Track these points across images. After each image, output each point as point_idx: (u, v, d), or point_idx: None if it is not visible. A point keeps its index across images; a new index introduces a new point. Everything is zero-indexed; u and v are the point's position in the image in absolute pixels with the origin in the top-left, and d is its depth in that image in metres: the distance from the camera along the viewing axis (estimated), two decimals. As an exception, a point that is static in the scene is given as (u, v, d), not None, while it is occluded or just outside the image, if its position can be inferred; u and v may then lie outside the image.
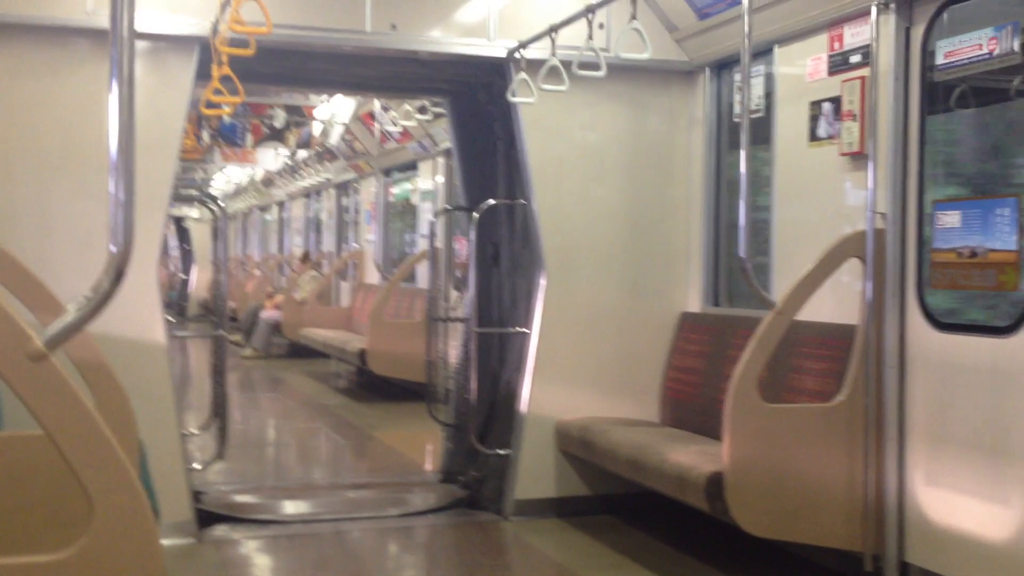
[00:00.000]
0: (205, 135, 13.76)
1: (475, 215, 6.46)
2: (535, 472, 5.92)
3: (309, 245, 17.60)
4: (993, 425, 4.03)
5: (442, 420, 6.91)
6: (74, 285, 3.26)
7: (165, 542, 5.04)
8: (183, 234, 22.10)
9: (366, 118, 11.83)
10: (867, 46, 4.61)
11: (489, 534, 5.78)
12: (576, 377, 6.02)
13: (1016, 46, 4.03)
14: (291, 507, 6.24)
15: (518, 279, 6.33)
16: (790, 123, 5.25)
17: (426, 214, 11.30)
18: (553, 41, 5.30)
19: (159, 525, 3.80)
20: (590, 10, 5.07)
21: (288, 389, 12.48)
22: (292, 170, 16.52)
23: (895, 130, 4.49)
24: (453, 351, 7.17)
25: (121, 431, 3.56)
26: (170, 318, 5.82)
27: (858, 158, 4.74)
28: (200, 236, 22.04)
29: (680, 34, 5.97)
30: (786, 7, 5.07)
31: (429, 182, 11.14)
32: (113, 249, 2.20)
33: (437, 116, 9.39)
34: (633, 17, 4.73)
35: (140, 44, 5.21)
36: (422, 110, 9.18)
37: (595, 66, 5.09)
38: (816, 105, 5.03)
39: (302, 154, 14.86)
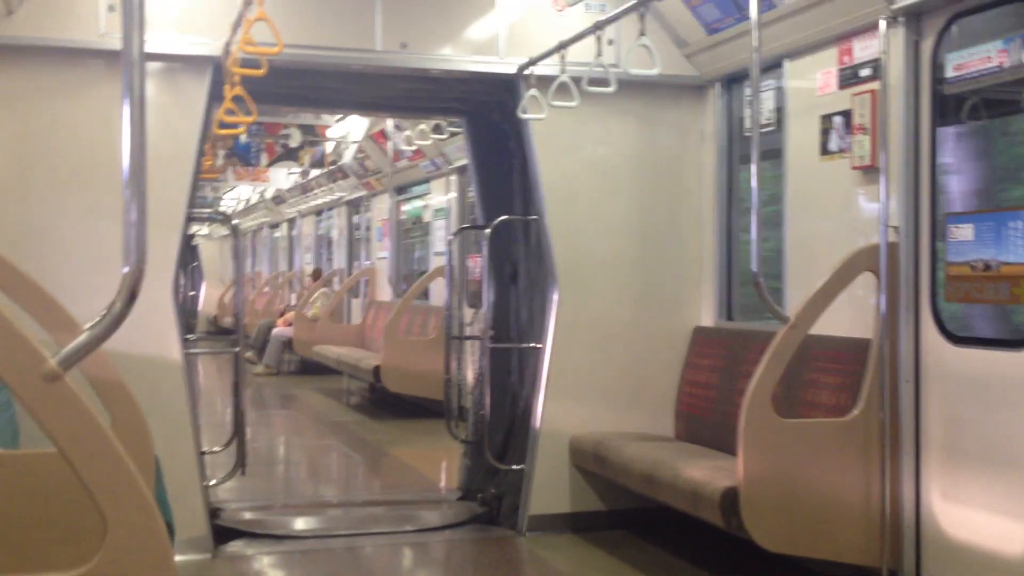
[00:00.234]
0: (220, 155, 13.83)
1: (487, 231, 6.48)
2: (549, 487, 5.92)
3: (319, 262, 17.66)
4: (1009, 439, 4.01)
5: (461, 438, 6.90)
6: (88, 304, 3.27)
7: (181, 558, 5.10)
8: (192, 251, 22.20)
9: (378, 137, 11.89)
10: (877, 59, 4.62)
11: (504, 550, 5.77)
12: (589, 392, 6.02)
13: (1026, 58, 4.03)
14: (307, 523, 6.25)
15: (535, 296, 6.34)
16: (801, 137, 5.25)
17: (439, 231, 11.33)
18: (563, 58, 5.32)
19: (174, 541, 3.82)
20: (599, 27, 5.09)
21: (301, 406, 12.51)
22: (303, 189, 16.58)
23: (906, 143, 4.49)
24: (471, 368, 7.18)
25: (137, 448, 3.58)
26: (190, 335, 5.85)
27: (870, 171, 4.73)
28: (208, 253, 22.13)
29: (690, 49, 5.98)
30: (795, 21, 5.08)
31: (442, 200, 11.17)
32: (126, 269, 2.21)
33: (452, 135, 9.44)
34: (642, 33, 4.75)
35: (153, 65, 5.27)
36: (437, 129, 9.21)
37: (605, 82, 5.11)
38: (827, 119, 5.03)
39: (314, 173, 14.93)
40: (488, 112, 6.32)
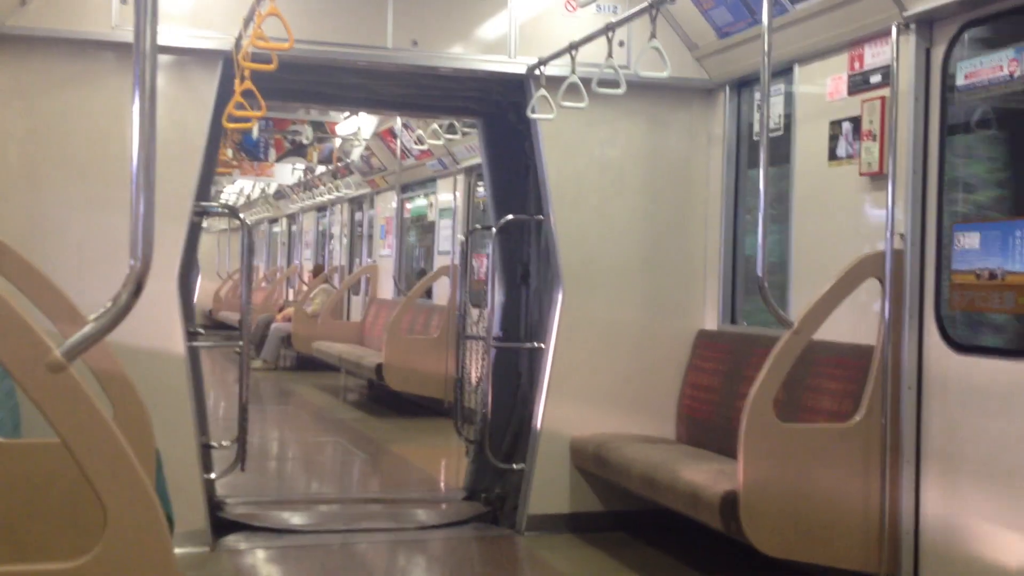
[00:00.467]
0: (228, 150, 13.87)
1: (493, 230, 6.48)
2: (549, 487, 5.92)
3: (319, 259, 17.65)
4: (1010, 449, 4.00)
5: (469, 438, 6.88)
6: (94, 295, 3.29)
7: (180, 551, 5.12)
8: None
9: (385, 135, 11.91)
10: (887, 66, 4.61)
11: (502, 549, 5.78)
12: (591, 393, 6.02)
13: (1037, 68, 4.02)
14: (307, 518, 6.26)
15: (545, 297, 6.33)
16: (809, 142, 5.25)
17: (444, 230, 11.35)
18: (573, 58, 5.33)
19: (173, 534, 3.83)
20: (610, 28, 5.09)
21: (301, 402, 12.52)
22: (306, 185, 16.58)
23: (915, 150, 4.48)
24: (479, 369, 7.17)
25: (138, 440, 3.59)
26: (200, 330, 5.87)
27: (877, 178, 4.73)
28: (204, 246, 22.10)
29: (700, 52, 5.98)
30: (806, 26, 5.07)
31: (448, 199, 11.19)
32: (133, 262, 2.22)
33: (464, 135, 9.44)
34: (653, 35, 4.75)
35: (164, 58, 5.28)
36: (451, 129, 9.22)
37: (615, 83, 5.11)
38: (836, 124, 5.03)
39: (320, 169, 14.94)
40: (504, 113, 6.30)
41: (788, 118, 5.47)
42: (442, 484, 7.86)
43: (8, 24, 5.09)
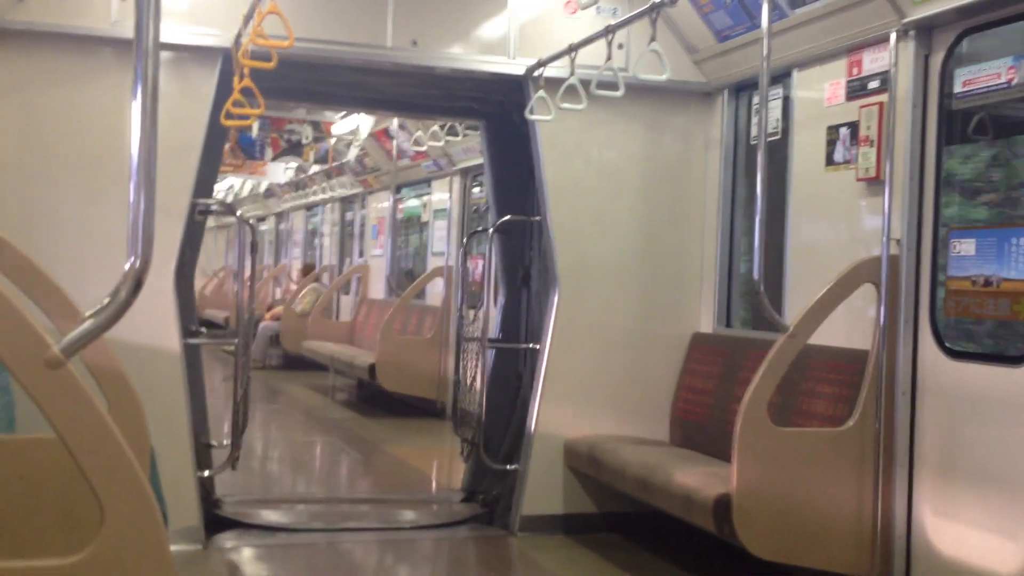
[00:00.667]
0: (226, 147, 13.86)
1: (490, 232, 6.49)
2: (543, 488, 5.92)
3: (307, 258, 17.61)
4: (1003, 456, 4.02)
5: (467, 439, 6.85)
6: (92, 291, 3.28)
7: (173, 548, 5.06)
8: None
9: (380, 135, 11.91)
10: (886, 72, 4.63)
11: (494, 549, 5.79)
12: (586, 394, 6.03)
13: (1034, 76, 4.04)
14: (303, 517, 6.27)
15: (544, 299, 6.33)
16: (807, 147, 5.26)
17: (438, 231, 11.35)
18: (572, 60, 5.33)
19: (168, 531, 3.82)
20: (610, 30, 5.10)
21: (291, 401, 12.50)
22: (297, 185, 16.53)
23: (912, 157, 4.50)
24: (476, 369, 7.15)
25: (133, 437, 3.58)
26: (202, 328, 5.87)
27: (874, 184, 4.74)
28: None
29: (699, 56, 5.99)
30: (805, 31, 5.09)
31: (444, 200, 11.19)
32: (132, 259, 2.22)
33: (464, 137, 9.45)
34: (652, 39, 4.75)
35: (164, 55, 5.26)
36: (452, 131, 9.21)
37: (613, 86, 5.11)
38: (833, 130, 5.04)
39: (314, 168, 14.93)
40: (508, 114, 6.29)
41: (786, 123, 5.48)
42: (439, 485, 7.85)
43: (7, 19, 5.08)
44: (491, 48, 5.89)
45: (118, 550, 2.25)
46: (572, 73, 5.27)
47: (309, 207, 17.61)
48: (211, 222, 23.05)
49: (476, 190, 10.73)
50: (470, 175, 10.70)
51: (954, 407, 4.27)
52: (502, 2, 5.85)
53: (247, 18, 4.86)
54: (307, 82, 6.08)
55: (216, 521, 5.72)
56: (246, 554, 5.48)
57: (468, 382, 6.71)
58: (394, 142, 11.54)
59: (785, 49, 5.13)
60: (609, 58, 5.07)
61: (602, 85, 5.11)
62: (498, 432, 6.37)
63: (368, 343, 12.05)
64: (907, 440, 4.45)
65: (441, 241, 11.23)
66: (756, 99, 5.60)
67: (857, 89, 4.90)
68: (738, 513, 4.31)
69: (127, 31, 5.01)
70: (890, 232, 4.52)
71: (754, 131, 5.82)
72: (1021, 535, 3.92)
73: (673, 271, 6.19)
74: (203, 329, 5.83)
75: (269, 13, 4.36)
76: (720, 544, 4.69)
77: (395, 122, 11.14)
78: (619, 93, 5.12)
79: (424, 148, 10.43)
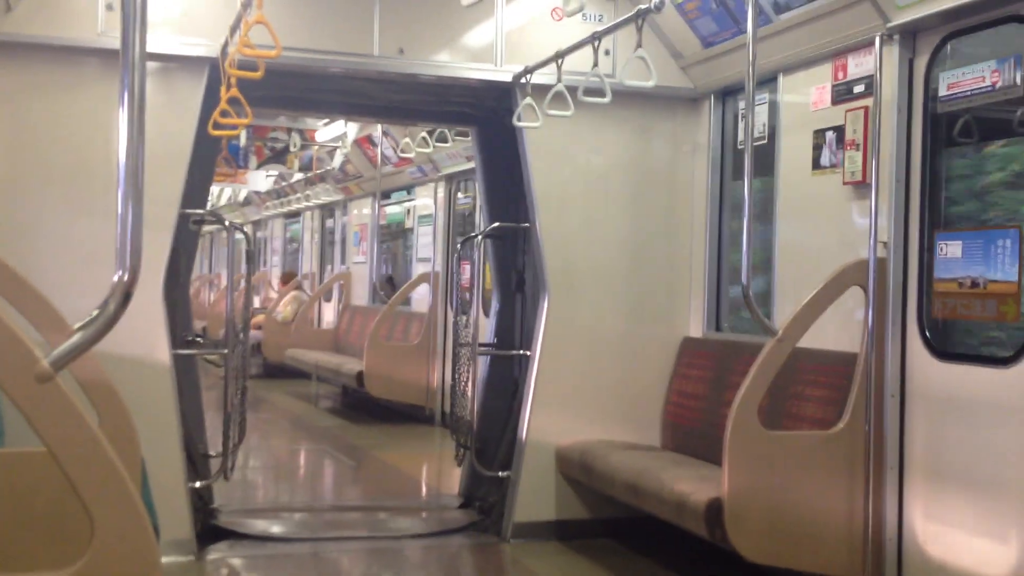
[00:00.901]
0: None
1: (479, 238, 6.49)
2: (535, 495, 5.92)
3: (288, 266, 17.55)
4: (992, 457, 4.03)
5: (465, 444, 6.83)
6: (80, 303, 3.28)
7: (165, 559, 5.05)
8: None
9: (363, 141, 11.91)
10: (871, 76, 4.65)
11: (487, 556, 5.79)
12: (577, 400, 6.03)
13: (1018, 79, 4.06)
14: (294, 527, 6.25)
15: (538, 304, 6.33)
16: (793, 151, 5.28)
17: (423, 237, 11.36)
18: (559, 67, 5.34)
19: (159, 543, 3.81)
20: (596, 37, 5.11)
21: (276, 409, 12.45)
22: (278, 192, 16.47)
23: (898, 160, 4.52)
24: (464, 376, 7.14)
25: (123, 449, 3.58)
26: (199, 337, 5.87)
27: (861, 187, 4.76)
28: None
29: (685, 61, 6.01)
30: (790, 36, 5.11)
31: (428, 206, 11.20)
32: (120, 271, 2.22)
33: (454, 142, 9.45)
34: (638, 45, 4.77)
35: (151, 65, 5.26)
36: (441, 138, 9.20)
37: (600, 92, 5.13)
38: (820, 134, 5.06)
39: (297, 176, 14.89)
40: (500, 119, 6.29)
41: (772, 127, 5.50)
42: (434, 491, 7.85)
43: (-6, 30, 5.07)
44: (478, 55, 5.90)
45: (109, 563, 2.25)
46: (559, 80, 5.28)
47: (288, 215, 17.54)
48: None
49: (460, 195, 10.75)
50: (455, 181, 10.72)
51: (943, 409, 4.29)
52: (488, 9, 5.85)
53: (234, 28, 4.86)
54: (296, 90, 6.09)
55: (213, 531, 5.71)
56: (239, 565, 5.47)
57: (462, 388, 6.70)
58: (378, 149, 11.53)
59: (771, 54, 5.15)
60: (596, 64, 5.08)
61: (589, 91, 5.13)
62: (494, 438, 6.36)
63: (353, 350, 12.06)
64: (897, 442, 4.47)
65: (426, 247, 11.24)
66: (743, 104, 5.62)
67: (843, 93, 4.92)
68: (730, 517, 4.32)
69: (114, 42, 4.99)
70: (877, 235, 4.54)
71: (741, 135, 5.84)
72: (1011, 537, 3.94)
73: (662, 276, 6.20)
74: (199, 338, 5.82)
75: (256, 23, 4.36)
76: (712, 548, 4.70)
77: (379, 128, 11.15)
78: (606, 99, 5.13)
79: (411, 155, 10.43)
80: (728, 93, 6.03)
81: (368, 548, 5.82)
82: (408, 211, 12.18)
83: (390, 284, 12.77)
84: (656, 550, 5.69)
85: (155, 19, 5.24)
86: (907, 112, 4.53)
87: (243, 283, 8.59)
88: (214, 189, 18.74)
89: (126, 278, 2.21)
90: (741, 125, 5.83)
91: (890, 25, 4.49)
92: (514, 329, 6.51)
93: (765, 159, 5.42)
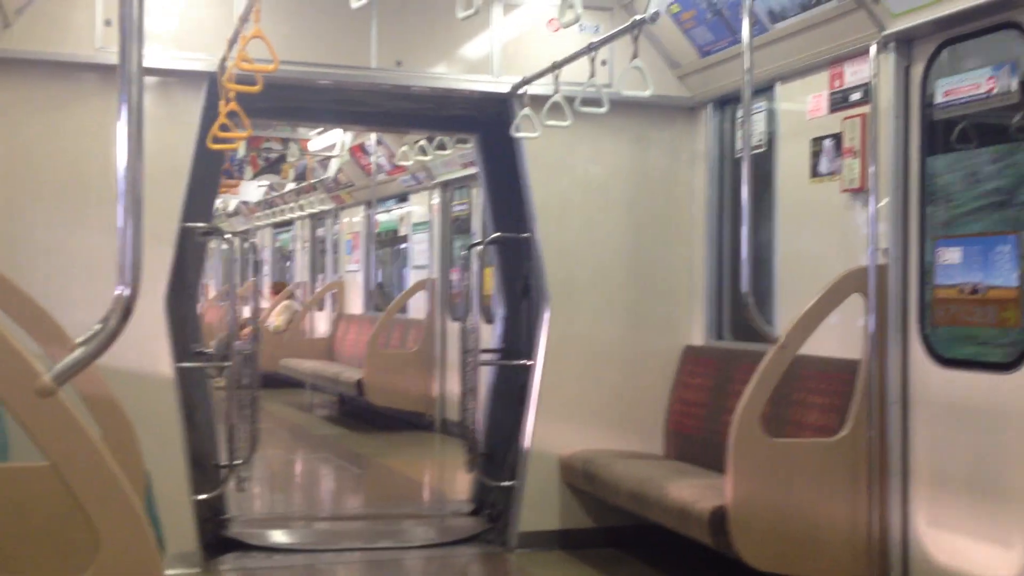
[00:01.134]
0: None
1: (479, 248, 6.50)
2: (539, 504, 5.92)
3: (276, 276, 17.50)
4: (996, 463, 4.04)
5: (477, 451, 6.80)
6: (81, 316, 3.30)
7: (171, 572, 5.09)
8: None
9: (355, 150, 11.93)
10: (867, 84, 4.66)
11: (492, 566, 5.78)
12: (580, 410, 6.03)
13: (1014, 85, 4.07)
14: (301, 537, 6.26)
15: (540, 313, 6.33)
16: (791, 159, 5.29)
17: (418, 245, 11.38)
18: (556, 77, 5.36)
19: (164, 556, 3.81)
20: (593, 48, 5.12)
21: (273, 419, 12.42)
22: (268, 203, 16.46)
23: (896, 167, 4.53)
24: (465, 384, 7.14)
25: (127, 463, 3.58)
26: (207, 349, 5.89)
27: (859, 194, 4.78)
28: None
29: (682, 71, 6.03)
30: (787, 45, 5.13)
31: (423, 213, 11.22)
32: (121, 287, 2.22)
33: (455, 149, 9.46)
34: (635, 55, 4.79)
35: (149, 79, 5.28)
36: (441, 145, 9.21)
37: (598, 102, 5.14)
38: (817, 142, 5.08)
39: (289, 186, 14.90)
40: (503, 127, 6.30)
41: (770, 135, 5.52)
42: (445, 498, 7.84)
43: (-8, 47, 5.09)
44: (475, 67, 5.92)
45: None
46: (556, 90, 5.30)
47: (277, 225, 17.52)
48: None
49: (457, 205, 10.80)
50: (450, 188, 10.75)
51: (945, 415, 4.29)
52: (485, 21, 5.87)
53: (232, 42, 4.88)
54: (296, 101, 6.10)
55: (224, 542, 5.74)
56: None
57: (470, 395, 6.70)
58: (372, 157, 11.55)
59: (767, 63, 5.17)
60: (592, 75, 5.10)
61: (586, 102, 5.14)
62: (501, 447, 6.34)
63: (348, 359, 12.09)
64: (900, 448, 4.47)
65: (422, 255, 11.28)
66: (740, 112, 5.64)
67: (839, 101, 4.94)
68: (734, 525, 4.32)
69: (112, 57, 5.01)
70: (877, 241, 4.55)
71: (739, 144, 5.85)
72: (1016, 542, 3.93)
73: (663, 285, 6.21)
74: (208, 350, 5.84)
75: (253, 37, 4.38)
76: (717, 556, 4.70)
77: (372, 137, 11.18)
78: (603, 109, 5.15)
79: (410, 163, 10.44)
80: (725, 102, 6.05)
81: (374, 559, 5.82)
82: (401, 219, 12.20)
83: (379, 291, 12.80)
84: (660, 559, 5.68)
85: (153, 34, 5.26)
86: (904, 119, 4.54)
87: (238, 293, 8.62)
88: None
89: (127, 293, 2.22)
90: (739, 134, 5.84)
91: (885, 33, 4.51)
92: (520, 335, 6.50)
93: (764, 167, 5.43)
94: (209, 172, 5.80)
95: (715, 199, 6.11)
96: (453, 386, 10.17)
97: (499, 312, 6.63)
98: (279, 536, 6.12)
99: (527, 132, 5.63)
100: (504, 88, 5.87)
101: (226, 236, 6.27)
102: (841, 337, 4.76)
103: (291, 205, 15.97)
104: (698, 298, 6.16)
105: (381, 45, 5.72)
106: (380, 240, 13.01)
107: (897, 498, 4.46)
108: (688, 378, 6.02)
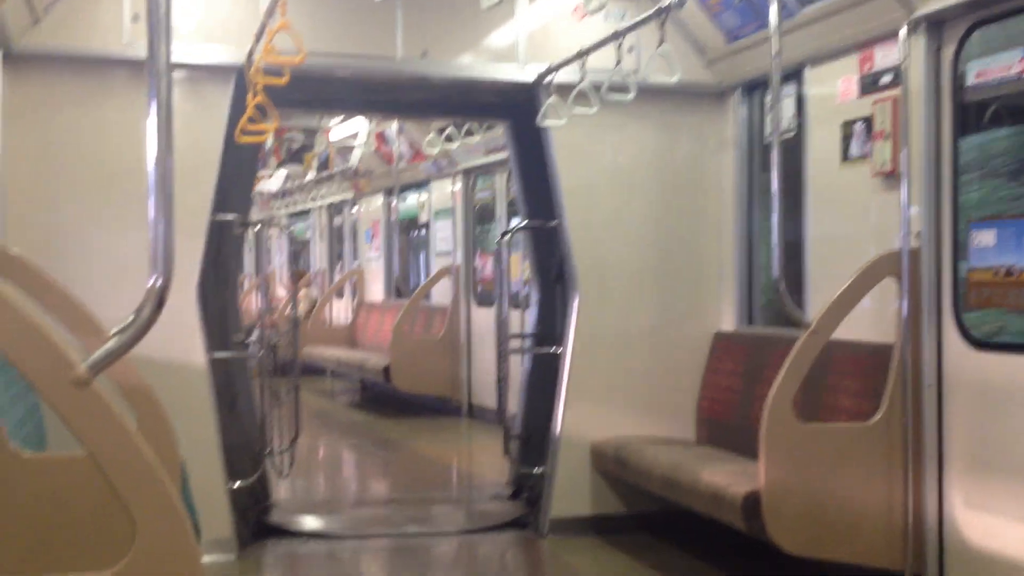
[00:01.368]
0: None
1: (506, 236, 6.50)
2: (571, 490, 5.94)
3: (292, 265, 17.56)
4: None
5: (509, 436, 6.80)
6: (114, 308, 3.33)
7: (207, 559, 5.14)
8: None
9: (376, 138, 11.96)
10: (898, 66, 4.62)
11: (525, 552, 5.81)
12: (610, 396, 6.04)
13: (1047, 66, 4.03)
14: (341, 523, 6.31)
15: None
16: (822, 143, 5.26)
17: (440, 232, 11.40)
18: (583, 65, 5.35)
19: (200, 543, 3.85)
20: (619, 35, 5.11)
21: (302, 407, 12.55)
22: (284, 192, 16.51)
23: (928, 149, 4.49)
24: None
25: (163, 451, 3.62)
26: (248, 340, 5.96)
27: (891, 178, 4.74)
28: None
29: (710, 57, 6.00)
30: (816, 28, 5.09)
31: (445, 200, 11.24)
32: (154, 277, 2.25)
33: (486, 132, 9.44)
34: (661, 41, 4.77)
35: (177, 74, 5.32)
36: (469, 133, 9.22)
37: (624, 89, 5.13)
38: (848, 125, 5.04)
39: (310, 175, 14.92)
40: (532, 114, 6.29)
41: (800, 120, 5.48)
42: (482, 483, 7.85)
43: (22, 43, 5.14)
44: (501, 56, 5.92)
45: (150, 563, 2.28)
46: (583, 78, 5.28)
47: (292, 215, 17.56)
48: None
49: (480, 192, 10.82)
50: (473, 175, 10.77)
51: (981, 397, 4.26)
52: (510, 10, 5.87)
53: (258, 35, 4.90)
54: (323, 91, 6.13)
55: (262, 529, 5.83)
56: (279, 564, 5.52)
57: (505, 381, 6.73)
58: (395, 145, 11.56)
59: (796, 47, 5.13)
60: (619, 62, 5.08)
61: (613, 89, 5.13)
62: (538, 432, 6.35)
63: (370, 346, 12.17)
64: (935, 432, 4.44)
65: (445, 242, 11.31)
66: (769, 98, 5.60)
67: (870, 84, 4.89)
68: (767, 510, 4.31)
69: (140, 52, 5.06)
70: (910, 225, 4.51)
71: (768, 130, 5.81)
72: (1052, 523, 3.90)
73: (693, 271, 6.20)
74: (248, 342, 5.91)
75: (280, 30, 4.40)
76: (749, 541, 4.69)
77: (394, 125, 11.20)
78: (630, 97, 5.13)
79: (436, 150, 10.46)
80: (754, 87, 6.02)
81: (405, 544, 5.86)
82: (422, 206, 12.22)
83: (400, 279, 12.87)
84: (693, 544, 5.68)
85: (181, 29, 5.30)
86: (935, 101, 4.49)
87: (273, 283, 8.70)
88: None
89: (159, 283, 2.24)
90: (768, 119, 5.80)
91: (916, 15, 4.47)
92: (555, 321, 6.49)
93: (794, 152, 5.40)
94: (245, 163, 5.85)
95: (744, 185, 6.08)
96: (479, 371, 10.26)
97: (533, 298, 6.63)
98: (319, 522, 6.19)
99: (554, 120, 5.63)
100: (530, 77, 5.87)
101: (257, 227, 6.30)
102: (874, 321, 4.73)
103: (313, 194, 16.01)
104: (728, 284, 6.13)
105: (406, 35, 5.74)
106: (401, 227, 13.05)
107: (932, 482, 4.43)
108: (719, 364, 6.00)
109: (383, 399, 11.91)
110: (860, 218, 5.00)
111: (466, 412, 10.56)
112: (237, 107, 5.36)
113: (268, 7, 4.66)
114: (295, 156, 14.06)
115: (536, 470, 6.18)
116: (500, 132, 9.00)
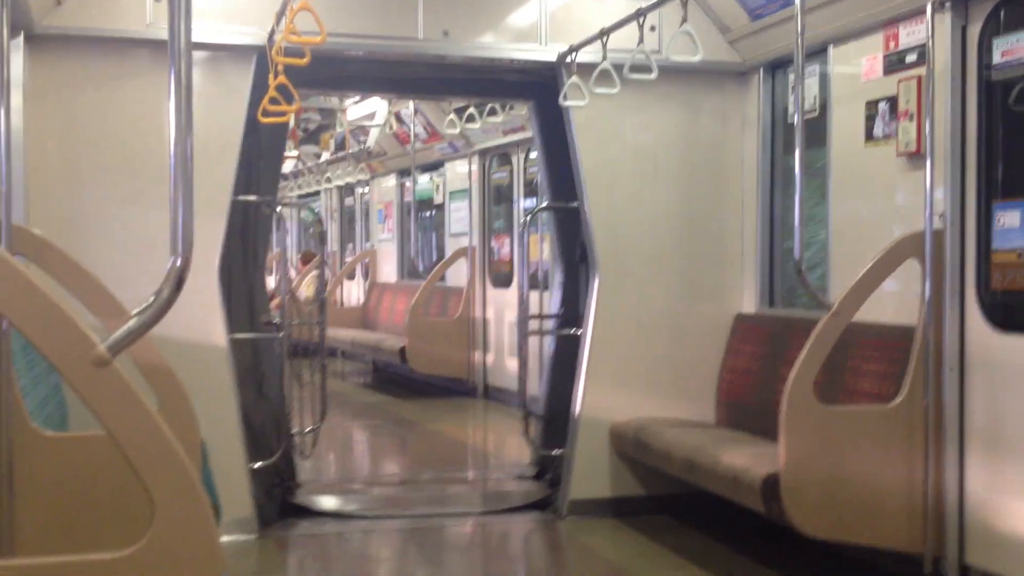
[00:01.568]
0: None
1: (527, 219, 6.48)
2: (590, 472, 5.94)
3: (303, 247, 17.51)
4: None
5: (527, 417, 6.74)
6: (135, 288, 3.35)
7: (227, 538, 5.20)
8: None
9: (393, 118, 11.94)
10: (923, 45, 4.56)
11: (544, 533, 5.82)
12: (630, 378, 6.03)
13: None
14: (364, 503, 6.35)
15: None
16: (846, 123, 5.21)
17: (456, 213, 11.39)
18: (604, 44, 5.31)
19: (220, 522, 3.88)
20: (641, 13, 5.07)
21: (314, 386, 12.57)
22: (296, 174, 16.50)
23: (952, 130, 4.44)
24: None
25: (183, 431, 3.65)
26: (275, 320, 5.99)
27: (915, 158, 4.69)
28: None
29: (732, 35, 5.95)
30: (840, 7, 5.03)
31: (461, 181, 11.23)
32: (173, 258, 2.25)
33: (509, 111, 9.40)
34: (684, 20, 4.73)
35: (199, 54, 5.33)
36: (492, 112, 9.19)
37: (646, 69, 5.10)
38: (872, 105, 4.98)
39: (324, 156, 14.88)
40: (556, 94, 6.26)
41: (824, 99, 5.43)
42: (504, 463, 7.88)
43: (44, 24, 5.16)
44: (523, 35, 5.89)
45: (170, 542, 2.29)
46: (604, 57, 5.25)
47: (302, 196, 17.56)
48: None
49: (498, 172, 10.80)
50: (489, 155, 10.74)
51: (1004, 380, 4.22)
52: (531, -11, 5.84)
53: (280, 15, 4.89)
54: (344, 71, 6.11)
55: (283, 508, 5.87)
56: (298, 543, 5.55)
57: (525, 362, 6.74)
58: (410, 126, 11.53)
59: (820, 25, 5.08)
60: (641, 41, 5.05)
61: (635, 68, 5.10)
62: (560, 415, 6.34)
63: (383, 327, 12.21)
64: (957, 414, 4.40)
65: (461, 222, 11.30)
66: (792, 77, 5.56)
67: (895, 63, 4.84)
68: (787, 492, 4.30)
69: (162, 32, 5.05)
70: (933, 206, 4.46)
71: (791, 109, 5.76)
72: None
73: (714, 252, 6.17)
74: (275, 321, 5.94)
75: (301, 10, 4.39)
76: (769, 523, 4.68)
77: (410, 106, 11.18)
78: (652, 76, 5.10)
79: (456, 130, 10.44)
80: (777, 66, 5.96)
81: (428, 525, 5.88)
82: (437, 187, 12.21)
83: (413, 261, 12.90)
84: (712, 527, 5.67)
85: (203, 9, 5.30)
86: (961, 81, 4.44)
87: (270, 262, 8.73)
88: None
89: (179, 263, 2.25)
90: (791, 98, 5.75)
91: (942, -8, 4.41)
92: (579, 302, 6.47)
93: (817, 131, 5.35)
94: (271, 144, 5.85)
95: (767, 165, 6.04)
96: (494, 352, 10.28)
97: (556, 278, 6.62)
98: (341, 503, 6.23)
99: (575, 100, 5.60)
100: (551, 56, 5.84)
101: (279, 208, 6.31)
102: (897, 303, 4.69)
103: (327, 175, 15.99)
104: (750, 266, 6.10)
105: (427, 15, 5.72)
106: (419, 208, 13.04)
107: (953, 464, 4.40)
108: (740, 346, 5.98)
109: (396, 380, 11.98)
110: (884, 199, 4.96)
111: (481, 393, 10.58)
112: (258, 88, 5.36)
113: (289, -13, 4.65)
114: (311, 136, 14.04)
115: (557, 452, 6.19)
116: (519, 113, 8.98)
